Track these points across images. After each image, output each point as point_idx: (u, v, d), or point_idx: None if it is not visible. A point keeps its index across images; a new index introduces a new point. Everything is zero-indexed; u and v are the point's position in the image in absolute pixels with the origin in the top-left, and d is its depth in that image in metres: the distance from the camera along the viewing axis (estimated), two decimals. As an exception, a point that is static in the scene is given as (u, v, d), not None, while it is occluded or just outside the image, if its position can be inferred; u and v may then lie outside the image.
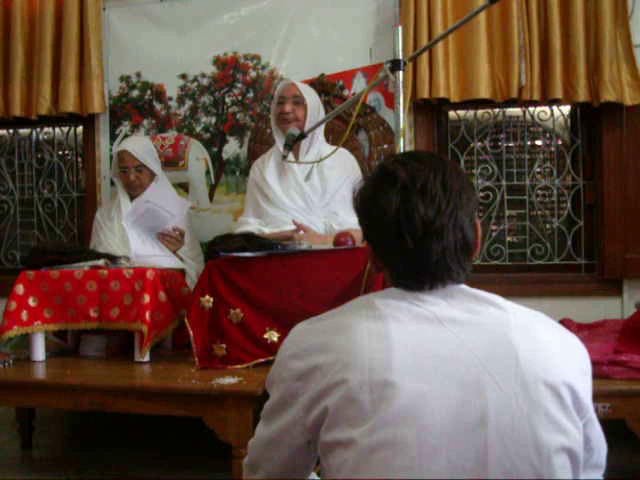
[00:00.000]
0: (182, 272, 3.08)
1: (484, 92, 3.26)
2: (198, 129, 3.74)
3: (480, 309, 1.04)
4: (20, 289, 2.73)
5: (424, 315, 1.02)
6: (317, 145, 3.02)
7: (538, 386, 0.97)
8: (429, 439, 0.94)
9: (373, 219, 1.09)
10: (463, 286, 1.09)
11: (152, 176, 3.27)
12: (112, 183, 3.65)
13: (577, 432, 1.00)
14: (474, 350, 0.99)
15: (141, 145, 3.31)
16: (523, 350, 0.99)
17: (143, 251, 3.10)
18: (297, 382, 1.04)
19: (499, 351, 0.99)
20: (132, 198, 3.27)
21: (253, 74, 3.66)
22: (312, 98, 3.03)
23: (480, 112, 3.55)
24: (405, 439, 0.94)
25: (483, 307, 1.04)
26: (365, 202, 1.11)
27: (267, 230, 2.93)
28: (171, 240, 3.19)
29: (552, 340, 1.04)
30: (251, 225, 2.99)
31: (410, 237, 1.03)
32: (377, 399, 0.95)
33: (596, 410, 1.08)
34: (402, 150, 2.16)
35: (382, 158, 3.33)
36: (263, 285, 2.51)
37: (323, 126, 3.07)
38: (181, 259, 3.20)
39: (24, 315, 2.71)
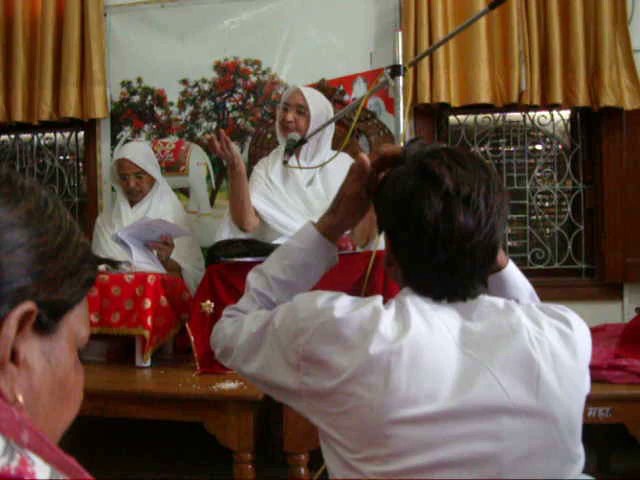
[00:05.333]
0: (181, 277, 3.08)
1: (484, 97, 3.26)
2: (199, 134, 3.75)
3: (498, 320, 1.00)
4: (21, 294, 2.73)
5: (437, 327, 0.98)
6: (323, 152, 3.02)
7: (555, 411, 0.95)
8: (445, 472, 0.92)
9: (409, 219, 1.01)
10: (480, 296, 1.05)
11: (152, 182, 3.27)
12: (113, 188, 3.66)
13: (583, 458, 1.00)
14: (492, 369, 0.95)
15: (140, 151, 3.31)
16: (545, 373, 0.95)
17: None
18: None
19: (520, 373, 0.95)
20: (132, 204, 3.28)
21: (254, 79, 3.67)
22: (316, 107, 2.98)
23: (480, 117, 3.56)
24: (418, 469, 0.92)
25: (501, 318, 1.00)
26: (403, 199, 1.02)
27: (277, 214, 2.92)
28: (162, 247, 3.04)
29: (571, 359, 1.00)
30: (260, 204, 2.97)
31: (443, 249, 0.99)
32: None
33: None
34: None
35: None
36: (264, 290, 2.51)
37: (331, 134, 3.05)
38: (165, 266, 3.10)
39: (25, 320, 2.71)
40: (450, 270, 1.01)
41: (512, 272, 1.29)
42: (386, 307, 1.00)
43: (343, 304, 1.01)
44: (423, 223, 0.98)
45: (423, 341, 0.95)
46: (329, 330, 0.98)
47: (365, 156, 1.15)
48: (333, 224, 1.21)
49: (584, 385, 1.01)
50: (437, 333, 0.97)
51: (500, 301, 1.04)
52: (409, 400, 0.92)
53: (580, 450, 1.00)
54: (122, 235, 2.91)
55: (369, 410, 0.94)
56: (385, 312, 0.98)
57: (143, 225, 2.94)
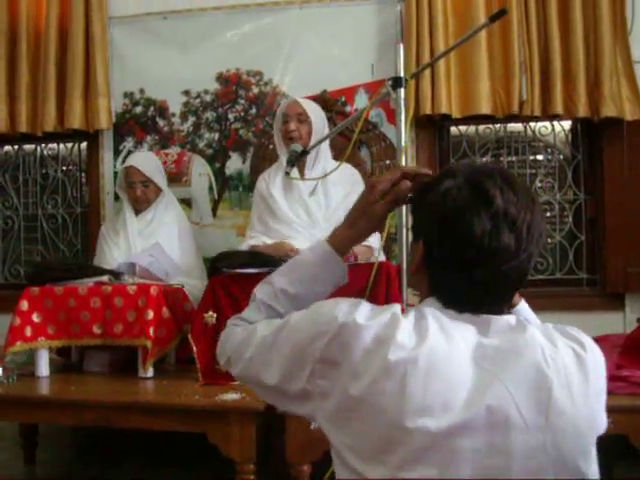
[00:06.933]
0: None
1: (485, 108, 3.28)
2: (201, 145, 3.76)
3: (512, 336, 1.00)
4: (24, 305, 2.74)
5: (454, 338, 0.98)
6: (322, 161, 3.02)
7: (566, 429, 0.95)
8: None
9: (456, 233, 1.01)
10: (502, 316, 1.05)
11: (158, 191, 3.28)
12: (116, 198, 3.66)
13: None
14: (505, 383, 0.95)
15: (148, 161, 3.33)
16: (556, 390, 0.95)
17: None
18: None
19: (531, 388, 0.95)
20: (137, 213, 3.29)
21: (256, 90, 3.69)
22: (316, 115, 3.02)
23: (481, 127, 3.58)
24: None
25: (516, 334, 1.00)
26: (452, 213, 1.02)
27: (269, 242, 2.92)
28: None
29: (583, 379, 1.00)
30: (255, 238, 2.98)
31: (483, 266, 1.00)
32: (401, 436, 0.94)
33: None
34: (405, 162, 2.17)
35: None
36: (266, 301, 2.51)
37: (329, 141, 3.07)
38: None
39: (28, 331, 2.71)
40: (483, 287, 1.02)
41: (524, 310, 1.32)
42: (405, 316, 1.02)
43: (364, 311, 1.03)
44: (470, 238, 0.99)
45: (439, 351, 0.96)
46: (349, 335, 0.99)
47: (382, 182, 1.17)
48: (349, 237, 1.22)
49: (597, 406, 1.01)
50: (453, 345, 0.97)
51: (512, 318, 1.04)
52: (424, 409, 0.93)
53: (592, 471, 0.99)
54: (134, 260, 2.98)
55: (383, 416, 0.95)
56: (404, 320, 1.00)
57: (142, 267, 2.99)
